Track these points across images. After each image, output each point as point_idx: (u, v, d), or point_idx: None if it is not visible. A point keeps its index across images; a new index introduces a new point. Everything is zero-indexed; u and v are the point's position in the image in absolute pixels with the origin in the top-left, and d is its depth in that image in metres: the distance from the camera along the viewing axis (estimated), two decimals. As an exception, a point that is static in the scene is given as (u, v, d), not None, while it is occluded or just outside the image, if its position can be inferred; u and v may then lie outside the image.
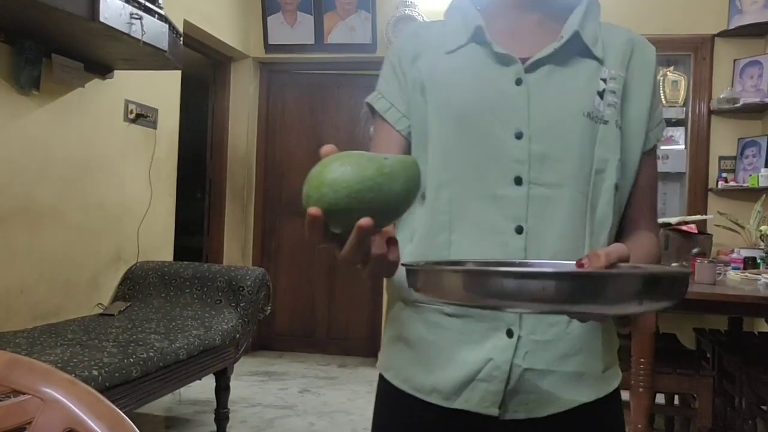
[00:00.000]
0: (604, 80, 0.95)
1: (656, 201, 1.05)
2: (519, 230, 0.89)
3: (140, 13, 2.60)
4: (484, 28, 0.96)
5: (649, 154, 1.02)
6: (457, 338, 0.91)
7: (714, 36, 4.17)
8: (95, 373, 2.10)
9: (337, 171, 0.59)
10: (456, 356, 0.91)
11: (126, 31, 2.52)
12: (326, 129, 4.87)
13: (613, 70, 0.96)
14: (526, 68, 0.92)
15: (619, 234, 0.99)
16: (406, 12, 4.39)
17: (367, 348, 4.76)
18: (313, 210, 0.58)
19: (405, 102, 1.00)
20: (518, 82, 0.92)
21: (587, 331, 0.91)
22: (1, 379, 1.13)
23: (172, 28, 2.87)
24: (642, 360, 2.40)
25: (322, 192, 0.58)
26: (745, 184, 4.00)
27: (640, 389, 2.40)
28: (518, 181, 0.89)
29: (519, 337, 0.88)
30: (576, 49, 0.95)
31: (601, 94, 0.94)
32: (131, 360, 2.29)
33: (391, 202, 0.60)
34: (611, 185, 0.93)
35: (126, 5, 2.52)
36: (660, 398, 3.15)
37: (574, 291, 0.57)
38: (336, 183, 0.58)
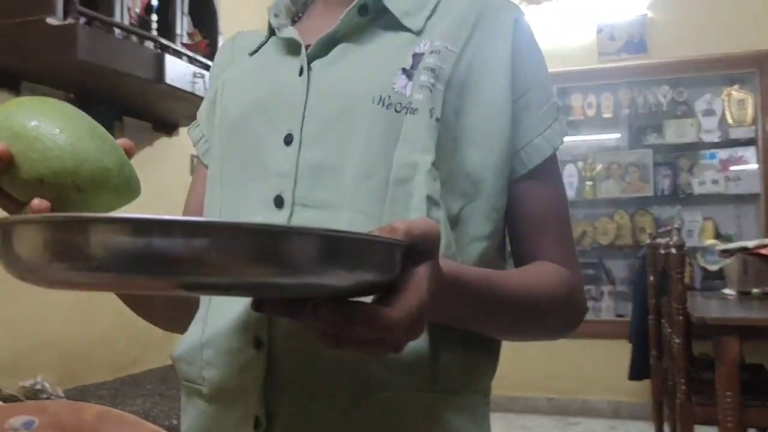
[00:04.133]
0: (419, 55, 0.68)
1: (566, 233, 0.73)
2: None
3: (202, 71, 2.72)
4: (269, 10, 0.77)
5: (535, 179, 0.71)
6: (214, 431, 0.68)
7: (779, 51, 4.04)
8: (175, 422, 2.15)
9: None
10: None
11: (190, 90, 2.64)
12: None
13: (436, 42, 0.68)
14: (309, 53, 0.70)
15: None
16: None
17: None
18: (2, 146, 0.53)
19: None
20: (300, 71, 0.70)
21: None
22: (93, 430, 1.18)
23: (233, 83, 2.98)
24: (728, 393, 2.29)
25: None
26: (825, 202, 3.82)
27: (729, 424, 2.28)
28: (279, 202, 0.66)
29: None
30: (380, 22, 0.71)
31: (408, 73, 0.67)
32: (207, 409, 2.33)
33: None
34: (421, 199, 0.64)
35: (189, 65, 2.65)
36: (751, 432, 2.98)
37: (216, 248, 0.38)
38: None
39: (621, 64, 4.31)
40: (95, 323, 2.85)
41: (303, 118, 0.68)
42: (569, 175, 4.55)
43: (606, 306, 4.41)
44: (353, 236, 0.45)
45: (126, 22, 2.36)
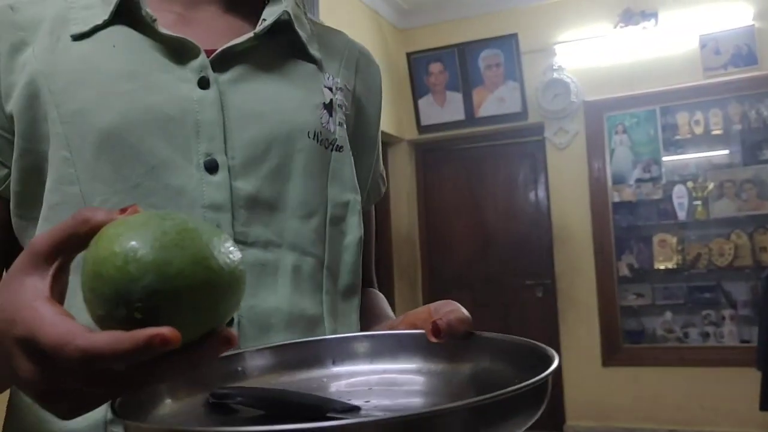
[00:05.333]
0: (330, 89, 0.67)
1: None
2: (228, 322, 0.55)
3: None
4: None
5: (371, 210, 0.80)
6: None
7: None
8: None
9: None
10: None
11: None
12: (484, 200, 4.91)
13: (338, 79, 0.69)
14: (213, 63, 0.62)
15: None
16: (554, 76, 4.40)
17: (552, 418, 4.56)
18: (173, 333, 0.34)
19: None
20: (203, 83, 0.61)
21: None
22: None
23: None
24: None
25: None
26: None
27: None
28: None
29: None
30: (283, 44, 0.67)
31: (328, 109, 0.66)
32: None
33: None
34: (354, 241, 0.66)
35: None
36: None
37: None
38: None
39: (729, 78, 4.14)
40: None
41: (225, 141, 0.60)
42: (679, 196, 4.37)
43: (729, 331, 4.17)
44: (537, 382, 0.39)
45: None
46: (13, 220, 0.62)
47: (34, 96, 0.60)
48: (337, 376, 0.54)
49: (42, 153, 0.60)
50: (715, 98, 4.25)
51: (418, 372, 0.52)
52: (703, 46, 4.19)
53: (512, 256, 4.66)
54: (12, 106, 0.60)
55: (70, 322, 0.37)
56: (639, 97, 4.31)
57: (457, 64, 4.66)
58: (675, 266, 4.36)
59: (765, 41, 4.03)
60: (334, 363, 0.54)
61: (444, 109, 4.78)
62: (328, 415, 0.44)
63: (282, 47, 0.67)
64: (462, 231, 4.93)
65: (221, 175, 0.59)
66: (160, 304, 0.36)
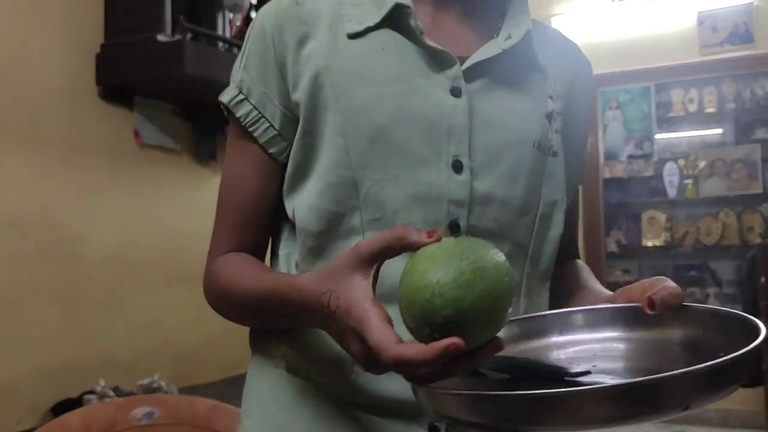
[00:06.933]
0: (552, 98, 0.74)
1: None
2: None
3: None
4: (412, 7, 0.68)
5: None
6: None
7: None
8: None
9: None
10: None
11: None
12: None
13: (558, 86, 0.75)
14: (465, 74, 0.69)
15: None
16: (549, 49, 4.34)
17: None
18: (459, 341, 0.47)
19: (283, 110, 0.71)
20: (455, 92, 0.68)
21: None
22: (207, 422, 1.25)
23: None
24: None
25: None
26: None
27: None
28: (455, 228, 0.67)
29: None
30: (520, 54, 0.72)
31: (549, 118, 0.73)
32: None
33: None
34: (556, 235, 0.74)
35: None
36: None
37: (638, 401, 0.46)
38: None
39: (725, 56, 4.10)
40: (203, 326, 2.97)
41: (469, 145, 0.68)
42: (669, 174, 4.37)
43: (712, 310, 4.21)
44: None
45: (228, 35, 2.46)
46: (286, 182, 0.72)
47: (319, 88, 0.67)
48: (563, 345, 0.65)
49: (319, 135, 0.68)
50: (711, 76, 4.23)
51: (632, 340, 0.62)
52: (700, 23, 4.15)
53: (501, 229, 4.64)
54: (299, 95, 0.69)
55: (388, 331, 0.50)
56: (634, 73, 4.27)
57: (452, 33, 4.59)
58: (663, 244, 4.38)
59: (763, 20, 3.99)
60: (560, 333, 0.66)
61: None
62: (566, 379, 0.54)
63: (518, 55, 0.72)
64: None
65: (465, 175, 0.67)
66: (454, 328, 0.48)
